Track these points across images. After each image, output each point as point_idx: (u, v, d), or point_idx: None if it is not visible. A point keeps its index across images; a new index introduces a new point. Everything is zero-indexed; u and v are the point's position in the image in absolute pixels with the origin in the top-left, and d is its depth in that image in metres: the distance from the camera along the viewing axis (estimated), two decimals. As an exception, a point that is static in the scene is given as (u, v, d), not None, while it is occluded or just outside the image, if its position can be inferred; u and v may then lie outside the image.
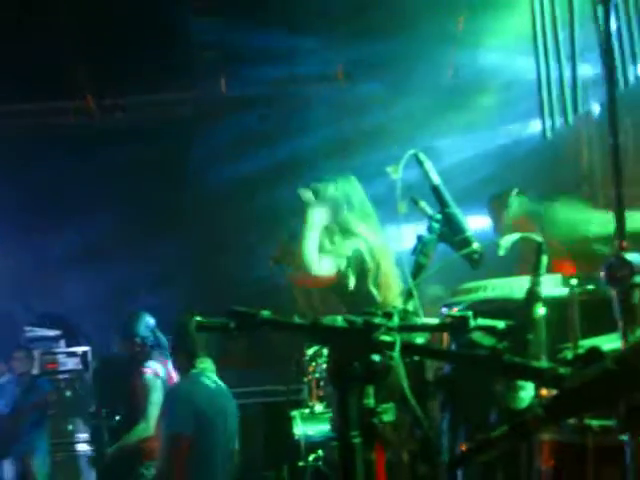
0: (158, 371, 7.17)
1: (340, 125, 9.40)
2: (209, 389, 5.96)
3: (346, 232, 5.38)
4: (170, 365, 7.09)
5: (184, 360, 6.06)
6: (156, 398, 7.05)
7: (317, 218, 5.29)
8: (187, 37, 9.20)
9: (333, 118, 9.42)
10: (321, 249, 5.32)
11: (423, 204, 3.83)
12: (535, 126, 8.84)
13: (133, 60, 9.07)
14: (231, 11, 8.83)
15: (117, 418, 7.73)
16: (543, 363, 2.15)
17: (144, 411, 7.10)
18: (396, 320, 2.49)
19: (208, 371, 6.06)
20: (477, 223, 6.96)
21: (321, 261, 5.26)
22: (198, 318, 2.58)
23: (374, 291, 5.21)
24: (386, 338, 2.36)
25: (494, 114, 8.70)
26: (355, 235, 5.35)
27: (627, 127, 7.13)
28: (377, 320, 2.41)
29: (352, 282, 5.21)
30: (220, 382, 6.12)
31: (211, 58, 9.55)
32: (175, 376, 7.03)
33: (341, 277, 5.25)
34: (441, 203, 3.70)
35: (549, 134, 5.29)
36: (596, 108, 8.05)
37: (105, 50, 9.04)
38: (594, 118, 8.19)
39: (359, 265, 5.21)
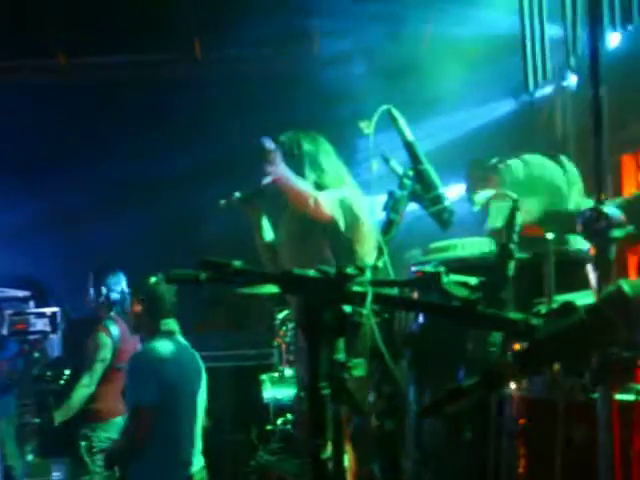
0: (112, 331, 7.17)
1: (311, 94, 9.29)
2: (175, 353, 5.91)
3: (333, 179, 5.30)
4: (125, 327, 7.12)
5: (149, 323, 6.01)
6: (102, 355, 7.09)
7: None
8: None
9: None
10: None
11: (394, 162, 3.80)
12: (509, 101, 8.89)
13: (107, 18, 8.98)
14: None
15: (61, 382, 7.70)
16: (516, 314, 2.13)
17: (89, 367, 7.11)
18: (368, 274, 2.48)
19: (174, 332, 6.03)
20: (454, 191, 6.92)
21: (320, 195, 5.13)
22: (171, 272, 2.55)
23: (356, 245, 5.11)
24: (358, 289, 2.35)
25: (469, 82, 8.64)
26: (342, 184, 5.27)
27: (602, 95, 7.14)
28: (350, 271, 2.40)
29: (342, 226, 5.08)
30: (186, 343, 6.09)
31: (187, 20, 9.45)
32: (130, 339, 7.03)
33: (334, 220, 5.11)
34: (414, 159, 3.67)
35: (532, 88, 5.28)
36: (572, 79, 8.05)
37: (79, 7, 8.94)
38: (569, 89, 8.19)
39: (347, 214, 5.10)
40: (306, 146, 5.33)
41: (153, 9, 9.03)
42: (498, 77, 8.23)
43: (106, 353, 7.12)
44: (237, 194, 5.35)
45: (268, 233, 5.64)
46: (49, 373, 8.36)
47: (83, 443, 7.01)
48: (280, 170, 5.02)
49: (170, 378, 5.77)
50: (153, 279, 6.01)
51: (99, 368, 7.11)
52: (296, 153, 5.28)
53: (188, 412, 5.91)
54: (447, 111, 8.77)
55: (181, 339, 6.04)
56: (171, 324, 5.99)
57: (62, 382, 8.11)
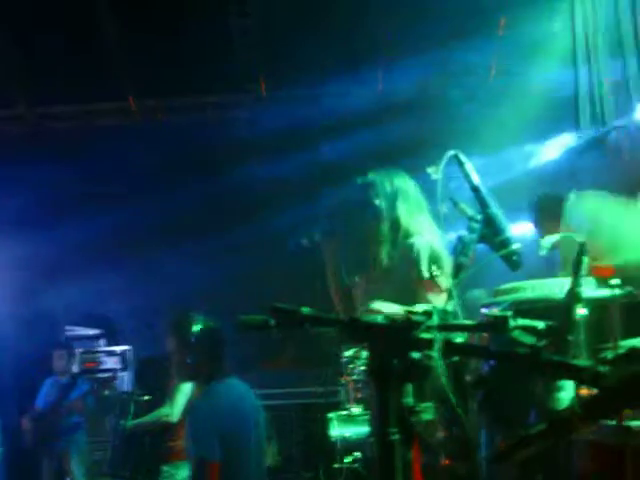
0: None
1: (380, 130, 9.33)
2: (234, 399, 5.70)
3: (405, 231, 5.24)
4: None
5: (204, 368, 5.84)
6: (186, 387, 7.06)
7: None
8: (229, 40, 9.25)
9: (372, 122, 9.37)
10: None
11: (463, 205, 3.82)
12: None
13: (175, 62, 9.15)
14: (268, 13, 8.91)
15: (145, 398, 7.73)
16: (583, 361, 2.14)
17: (171, 397, 7.12)
18: (435, 319, 2.50)
19: (228, 374, 5.77)
20: (518, 228, 6.89)
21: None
22: (241, 318, 2.59)
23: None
24: (426, 336, 2.37)
25: (543, 118, 8.63)
26: (413, 234, 5.19)
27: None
28: (417, 318, 2.42)
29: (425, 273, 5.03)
30: (241, 383, 5.86)
31: (251, 60, 9.57)
32: None
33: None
34: (482, 204, 3.70)
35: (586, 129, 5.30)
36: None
37: (146, 52, 9.14)
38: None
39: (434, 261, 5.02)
40: (397, 182, 5.30)
41: (218, 51, 9.19)
42: (563, 113, 8.24)
43: (188, 385, 7.11)
44: (317, 233, 5.35)
45: (343, 272, 5.60)
46: (137, 390, 8.42)
47: None
48: None
49: (232, 428, 5.57)
50: (198, 322, 5.87)
51: (180, 399, 7.11)
52: (389, 190, 5.26)
53: (253, 457, 5.71)
54: (514, 146, 8.78)
55: (236, 380, 5.84)
56: (224, 367, 5.76)
57: (146, 398, 8.12)
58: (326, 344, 9.03)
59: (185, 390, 7.10)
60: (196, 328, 5.81)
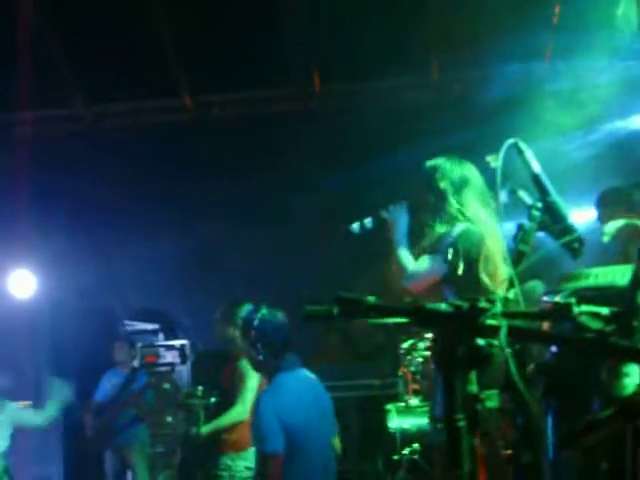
0: None
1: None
2: (298, 392, 5.67)
3: (451, 214, 5.15)
4: None
5: (270, 359, 5.81)
6: (252, 384, 7.06)
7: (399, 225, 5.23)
8: (280, 34, 9.27)
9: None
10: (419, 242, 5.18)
11: (522, 193, 3.82)
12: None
13: (230, 57, 9.18)
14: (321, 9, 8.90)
15: (212, 400, 7.71)
16: (651, 346, 2.13)
17: (240, 395, 7.09)
18: (499, 307, 2.50)
19: (295, 366, 5.79)
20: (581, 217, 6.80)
21: (417, 263, 5.07)
22: (306, 308, 2.60)
23: (485, 279, 4.90)
24: (493, 322, 2.37)
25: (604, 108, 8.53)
26: (461, 218, 5.11)
27: None
28: (483, 305, 2.42)
29: (460, 269, 4.89)
30: (309, 375, 5.86)
31: (304, 56, 9.56)
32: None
33: (449, 267, 4.91)
34: (542, 191, 3.69)
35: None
36: None
37: (201, 48, 9.19)
38: None
39: (466, 250, 4.89)
40: (464, 170, 5.20)
41: (270, 46, 9.21)
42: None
43: (253, 381, 7.10)
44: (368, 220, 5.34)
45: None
46: (200, 389, 8.40)
47: (224, 473, 7.08)
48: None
49: (296, 421, 5.55)
50: (266, 313, 5.78)
51: (249, 396, 7.11)
52: (456, 176, 5.17)
53: (319, 449, 5.70)
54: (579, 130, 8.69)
55: (305, 372, 5.86)
56: (291, 358, 5.79)
57: (213, 400, 8.05)
58: (378, 336, 9.06)
59: (253, 386, 7.08)
60: (258, 319, 5.82)
